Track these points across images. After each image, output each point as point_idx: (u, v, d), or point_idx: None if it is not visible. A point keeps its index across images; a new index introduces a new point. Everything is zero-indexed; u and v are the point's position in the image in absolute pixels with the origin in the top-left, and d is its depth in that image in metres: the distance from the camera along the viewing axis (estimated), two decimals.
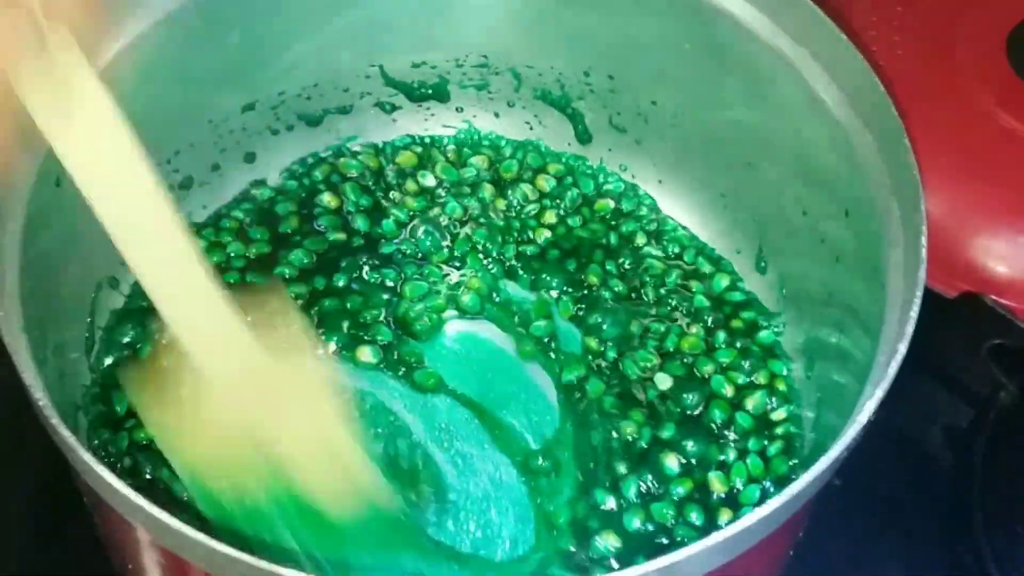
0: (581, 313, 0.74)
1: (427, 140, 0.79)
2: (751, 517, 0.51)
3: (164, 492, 0.64)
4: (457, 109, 0.79)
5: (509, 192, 0.78)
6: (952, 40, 0.79)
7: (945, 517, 0.75)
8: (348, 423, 0.59)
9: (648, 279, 0.75)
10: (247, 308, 0.56)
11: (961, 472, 0.74)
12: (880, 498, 0.74)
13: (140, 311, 0.70)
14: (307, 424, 0.58)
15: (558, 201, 0.78)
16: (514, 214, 0.77)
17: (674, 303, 0.74)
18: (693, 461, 0.68)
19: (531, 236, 0.76)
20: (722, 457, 0.69)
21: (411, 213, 0.76)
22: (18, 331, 0.54)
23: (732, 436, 0.70)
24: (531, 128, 0.79)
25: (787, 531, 0.57)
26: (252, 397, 0.56)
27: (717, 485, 0.68)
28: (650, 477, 0.68)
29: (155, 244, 0.53)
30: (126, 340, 0.70)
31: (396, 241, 0.75)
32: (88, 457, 0.50)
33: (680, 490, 0.67)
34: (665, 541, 0.66)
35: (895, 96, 0.63)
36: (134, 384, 0.60)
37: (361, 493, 0.59)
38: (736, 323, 0.73)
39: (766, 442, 0.69)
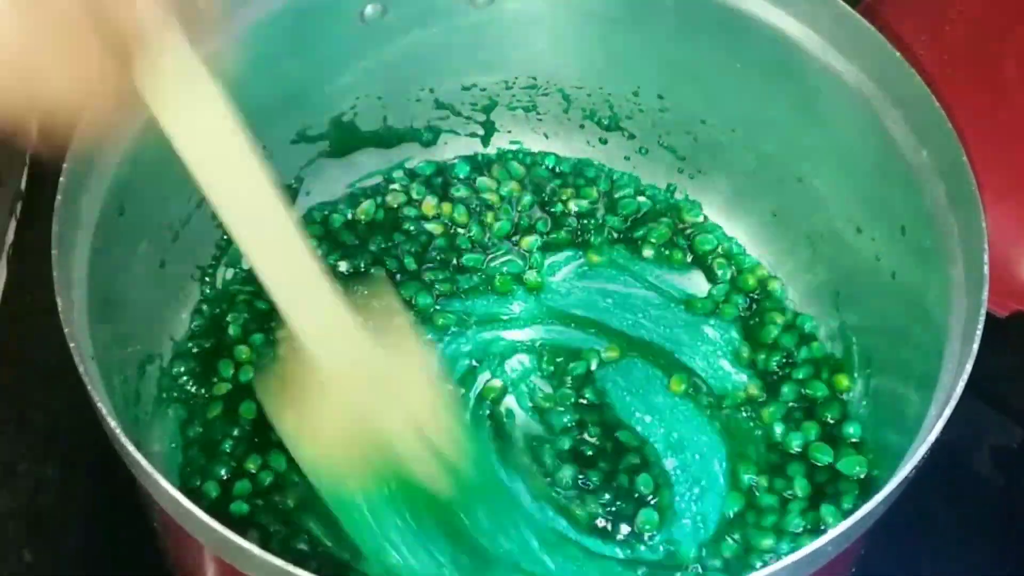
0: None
1: (480, 159, 0.80)
2: (829, 535, 0.51)
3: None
4: (507, 131, 0.79)
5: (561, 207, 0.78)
6: (1001, 57, 0.78)
7: (994, 536, 0.74)
8: (454, 408, 0.64)
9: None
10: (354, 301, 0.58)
11: (1011, 492, 0.75)
12: (929, 518, 0.74)
13: (200, 348, 0.72)
14: (417, 409, 0.61)
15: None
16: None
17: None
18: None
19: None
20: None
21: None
22: (89, 359, 0.54)
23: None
24: (581, 148, 0.79)
25: (856, 548, 0.57)
26: (364, 386, 0.59)
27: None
28: None
29: (268, 233, 0.54)
30: (187, 367, 0.71)
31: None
32: (165, 483, 0.50)
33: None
34: None
35: (945, 114, 0.62)
36: (265, 390, 0.62)
37: (469, 477, 0.62)
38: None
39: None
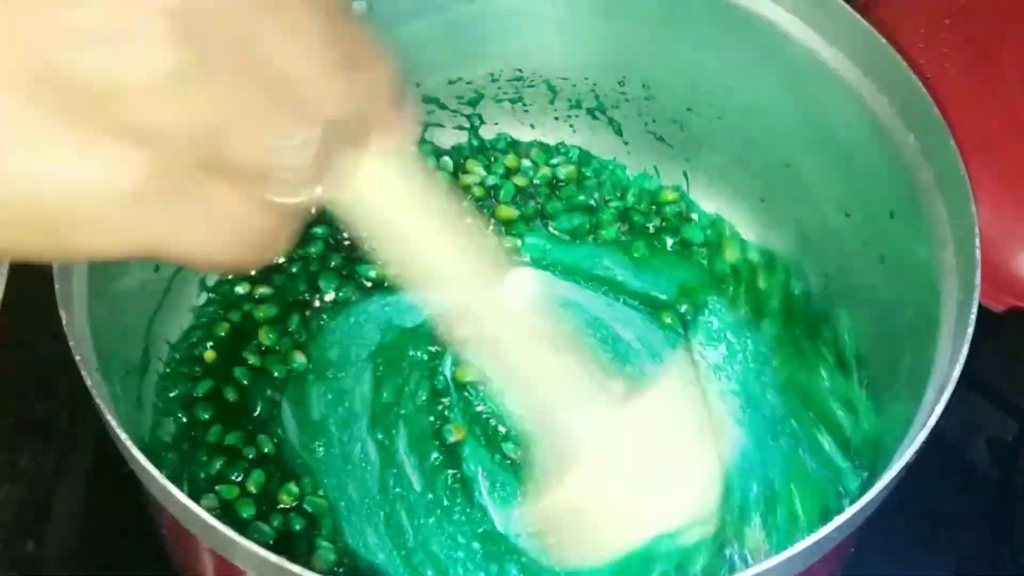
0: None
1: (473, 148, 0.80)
2: (823, 531, 0.51)
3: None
4: (494, 123, 0.79)
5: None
6: (999, 53, 0.78)
7: (989, 529, 0.74)
8: None
9: None
10: None
11: (1005, 485, 0.74)
12: (924, 510, 0.73)
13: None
14: None
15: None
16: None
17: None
18: None
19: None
20: None
21: None
22: (94, 371, 0.54)
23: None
24: (567, 138, 0.80)
25: (850, 541, 0.57)
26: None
27: None
28: None
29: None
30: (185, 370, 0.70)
31: None
32: (183, 497, 0.50)
33: None
34: None
35: (942, 108, 0.62)
36: None
37: None
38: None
39: None
